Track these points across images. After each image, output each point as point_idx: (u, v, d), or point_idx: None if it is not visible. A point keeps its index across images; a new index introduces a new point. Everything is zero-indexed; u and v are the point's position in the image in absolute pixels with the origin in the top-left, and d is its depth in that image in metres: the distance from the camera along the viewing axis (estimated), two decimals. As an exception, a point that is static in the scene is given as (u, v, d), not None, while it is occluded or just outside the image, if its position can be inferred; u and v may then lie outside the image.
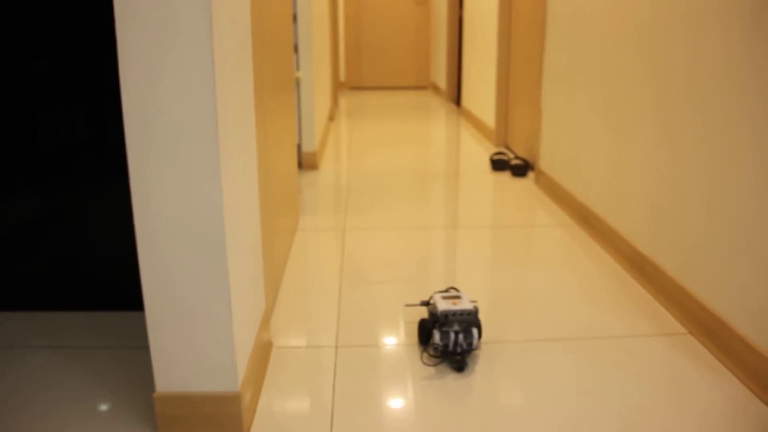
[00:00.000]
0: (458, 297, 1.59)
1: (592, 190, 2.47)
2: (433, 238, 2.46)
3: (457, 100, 6.37)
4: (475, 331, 1.53)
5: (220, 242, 1.15)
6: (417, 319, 1.79)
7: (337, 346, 1.64)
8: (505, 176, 3.42)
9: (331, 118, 5.24)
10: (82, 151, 1.68)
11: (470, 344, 1.52)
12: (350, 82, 7.78)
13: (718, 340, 1.59)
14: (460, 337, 1.51)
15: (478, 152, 4.03)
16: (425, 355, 1.59)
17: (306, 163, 3.52)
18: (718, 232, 1.62)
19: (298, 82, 3.38)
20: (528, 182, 3.29)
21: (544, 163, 3.11)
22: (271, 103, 1.84)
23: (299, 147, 3.59)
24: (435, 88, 7.30)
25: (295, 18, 3.29)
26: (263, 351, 1.52)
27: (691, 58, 1.72)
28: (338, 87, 6.80)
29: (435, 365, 1.55)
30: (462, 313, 1.52)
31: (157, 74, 1.07)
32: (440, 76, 6.85)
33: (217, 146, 1.11)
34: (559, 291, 1.97)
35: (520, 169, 3.42)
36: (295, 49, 3.33)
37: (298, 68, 3.35)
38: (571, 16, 2.66)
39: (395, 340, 1.67)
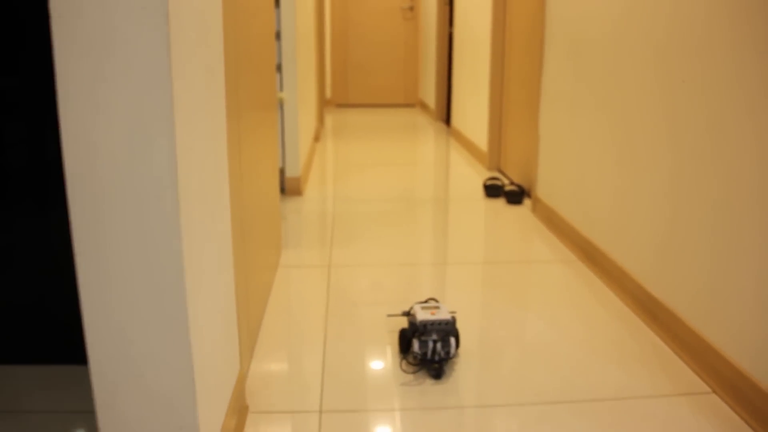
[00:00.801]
0: (437, 307, 1.68)
1: (596, 223, 2.30)
2: (423, 276, 2.27)
3: (447, 119, 6.21)
4: (452, 339, 1.60)
5: (180, 310, 0.96)
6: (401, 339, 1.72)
7: (321, 411, 1.45)
8: (500, 203, 3.25)
9: (317, 138, 5.07)
10: (16, 183, 1.49)
11: (447, 352, 1.60)
12: (336, 100, 7.62)
13: (745, 400, 1.42)
14: (438, 345, 1.58)
15: (470, 176, 3.86)
16: (404, 362, 1.66)
17: (290, 188, 3.33)
18: (733, 273, 1.45)
19: (281, 103, 3.20)
20: (524, 210, 3.12)
21: (542, 190, 2.94)
22: (249, 127, 1.66)
23: (282, 172, 3.41)
24: (423, 106, 7.15)
25: (278, 36, 3.12)
26: (238, 418, 1.32)
27: (711, 86, 1.56)
28: (324, 105, 6.63)
29: (414, 372, 1.61)
30: (440, 322, 1.61)
31: (102, 112, 0.88)
32: (429, 94, 6.71)
33: (175, 191, 0.92)
34: (563, 340, 1.79)
35: (516, 196, 3.25)
36: (278, 68, 3.16)
37: (281, 88, 3.18)
38: (574, 37, 2.50)
39: (388, 403, 1.48)
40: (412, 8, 7.38)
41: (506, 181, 3.69)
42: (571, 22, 2.53)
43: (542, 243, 2.63)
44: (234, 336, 1.37)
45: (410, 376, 1.59)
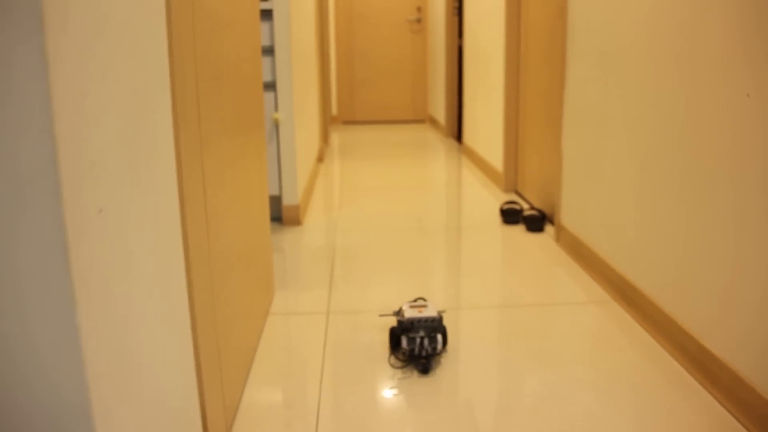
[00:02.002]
0: (424, 306, 1.77)
1: (635, 260, 1.99)
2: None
3: (458, 136, 5.91)
4: (439, 336, 1.67)
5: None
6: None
7: None
8: (518, 231, 2.94)
9: (321, 158, 4.78)
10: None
11: (434, 348, 1.66)
12: (343, 116, 7.34)
13: None
14: (425, 341, 1.65)
15: (484, 199, 3.55)
16: (392, 357, 1.73)
17: (288, 218, 3.03)
18: None
19: (276, 125, 2.91)
20: (546, 239, 2.81)
21: (567, 217, 2.63)
22: (222, 157, 1.36)
23: (279, 200, 3.11)
24: (433, 122, 6.86)
25: (271, 51, 2.83)
26: None
27: (796, 105, 1.25)
28: (330, 122, 6.36)
29: (402, 368, 1.68)
30: (427, 320, 1.70)
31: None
32: (438, 109, 6.41)
33: (66, 272, 0.62)
34: (606, 410, 1.47)
35: (536, 223, 2.94)
36: (273, 86, 2.87)
37: (276, 108, 2.89)
38: (602, 47, 2.20)
39: None
40: (419, 20, 7.11)
41: (525, 205, 3.38)
42: (598, 29, 2.23)
43: (569, 279, 2.31)
44: (195, 420, 1.07)
45: (398, 371, 1.67)
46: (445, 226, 3.02)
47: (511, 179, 3.68)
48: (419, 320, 1.69)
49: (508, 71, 3.57)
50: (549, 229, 2.95)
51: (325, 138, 5.43)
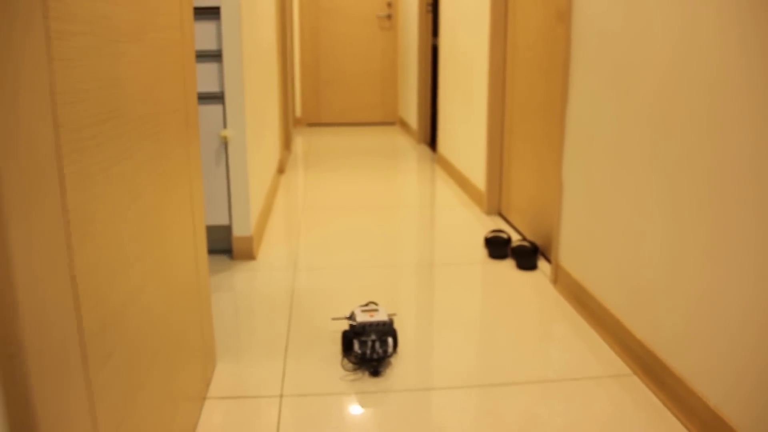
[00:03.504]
0: (376, 310, 1.81)
1: (664, 328, 1.59)
2: (400, 414, 1.54)
3: (431, 142, 5.50)
4: (390, 339, 1.72)
5: None
6: None
7: None
8: (507, 268, 2.53)
9: (281, 169, 4.32)
10: None
11: (385, 351, 1.71)
12: (308, 118, 6.87)
13: None
14: (377, 345, 1.70)
15: (465, 223, 3.14)
16: (344, 361, 1.75)
17: (239, 251, 2.59)
18: None
19: (225, 143, 2.45)
20: (540, 280, 2.40)
21: (567, 256, 2.23)
22: (118, 195, 0.92)
23: (229, 230, 2.66)
24: (404, 125, 6.44)
25: (218, 58, 2.37)
26: None
27: None
28: (293, 124, 5.89)
29: (353, 371, 1.71)
30: (378, 324, 1.75)
31: None
32: (410, 112, 5.99)
33: None
34: None
35: (528, 258, 2.53)
36: (221, 99, 2.41)
37: (225, 124, 2.43)
38: (622, 59, 1.79)
39: None
40: (389, 16, 6.67)
41: (512, 233, 2.98)
42: (616, 36, 1.83)
43: (574, 339, 1.91)
44: None
45: (350, 374, 1.68)
46: (423, 263, 2.60)
47: (494, 200, 3.27)
48: (371, 324, 1.74)
49: (492, 78, 3.15)
50: (543, 266, 2.55)
51: (287, 144, 4.97)
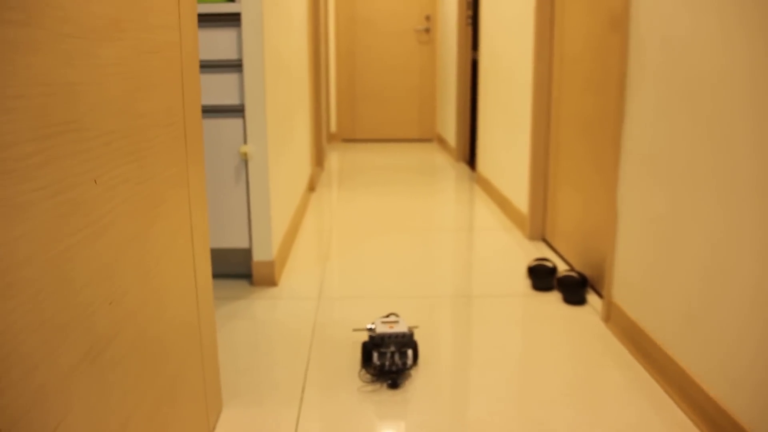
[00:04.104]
0: (396, 321, 1.78)
1: (743, 385, 1.34)
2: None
3: (470, 160, 5.27)
4: (410, 351, 1.68)
5: None
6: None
7: None
8: (553, 302, 2.28)
9: (312, 187, 4.14)
10: None
11: (405, 363, 1.68)
12: (343, 134, 6.71)
13: None
14: (396, 356, 1.67)
15: (506, 249, 2.90)
16: (363, 372, 1.72)
17: (259, 277, 2.39)
18: None
19: (245, 161, 2.26)
20: (590, 317, 2.15)
21: (622, 293, 1.98)
22: (102, 220, 0.72)
23: (249, 254, 2.47)
24: (441, 142, 6.22)
25: (239, 68, 2.19)
26: None
27: None
28: (327, 141, 5.72)
29: (372, 382, 1.67)
30: (398, 335, 1.71)
31: None
32: (448, 129, 5.77)
33: None
34: None
35: (576, 290, 2.28)
36: (240, 111, 2.23)
37: (245, 140, 2.25)
38: (693, 72, 1.55)
39: None
40: (428, 30, 6.48)
41: (558, 261, 2.73)
42: (684, 45, 1.58)
43: (631, 391, 1.65)
44: None
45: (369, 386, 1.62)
46: (460, 294, 2.37)
47: (538, 224, 3.03)
48: (390, 336, 1.71)
49: (536, 92, 2.92)
50: (593, 300, 2.30)
51: (319, 161, 4.80)
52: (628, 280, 1.93)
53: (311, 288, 2.39)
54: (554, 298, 2.32)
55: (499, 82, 3.66)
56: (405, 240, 3.03)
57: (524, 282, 2.47)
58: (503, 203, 3.56)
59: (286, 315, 2.14)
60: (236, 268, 2.48)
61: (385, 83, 6.59)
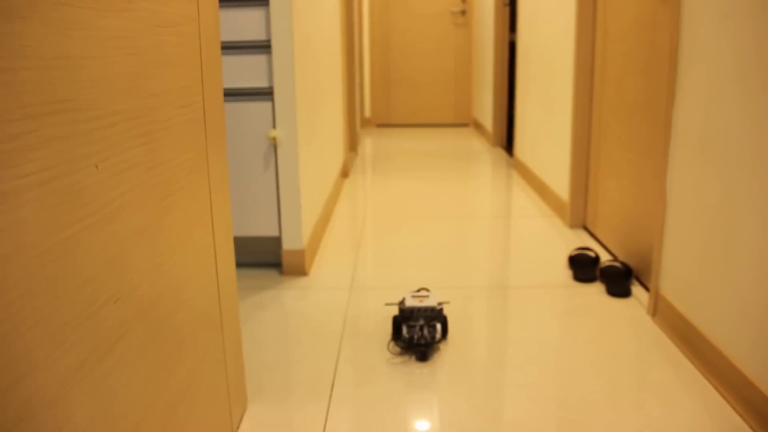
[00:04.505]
0: (426, 296, 1.82)
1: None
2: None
3: (507, 146, 5.14)
4: (438, 325, 1.72)
5: None
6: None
7: None
8: (595, 293, 2.17)
9: (345, 173, 4.06)
10: None
11: (433, 337, 1.71)
12: (377, 119, 6.61)
13: None
14: (425, 330, 1.70)
15: (546, 237, 2.78)
16: (392, 344, 1.77)
17: (289, 266, 2.32)
18: None
19: (274, 146, 2.19)
20: (635, 309, 2.03)
21: (671, 285, 1.86)
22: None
23: (279, 242, 2.40)
24: (478, 126, 6.09)
25: (267, 49, 2.11)
26: None
27: None
28: (361, 126, 5.63)
29: (400, 354, 1.71)
30: (426, 309, 1.76)
31: None
32: (485, 113, 5.63)
33: None
34: None
35: (620, 282, 2.17)
36: (269, 95, 2.15)
37: (274, 124, 2.17)
38: (748, 47, 1.42)
39: None
40: (464, 12, 6.33)
41: (600, 250, 2.60)
42: (742, 19, 1.45)
43: (681, 390, 1.54)
44: None
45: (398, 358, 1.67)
46: (496, 285, 2.27)
47: (579, 213, 2.90)
48: (419, 309, 1.75)
49: (578, 74, 2.79)
50: (638, 292, 2.18)
51: (353, 146, 4.71)
52: (678, 271, 1.81)
53: (343, 277, 2.32)
54: (597, 289, 2.20)
55: (539, 64, 3.53)
56: (440, 227, 2.94)
57: (565, 272, 2.36)
58: (542, 189, 3.44)
59: (316, 306, 2.07)
60: (266, 257, 2.42)
61: (420, 67, 6.47)
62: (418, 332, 1.70)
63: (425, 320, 1.73)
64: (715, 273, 1.60)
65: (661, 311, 1.91)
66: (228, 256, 1.32)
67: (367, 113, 6.56)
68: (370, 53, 6.43)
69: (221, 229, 1.26)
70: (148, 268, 0.90)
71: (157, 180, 0.94)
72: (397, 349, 1.75)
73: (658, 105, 2.10)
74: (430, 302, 1.78)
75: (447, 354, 1.73)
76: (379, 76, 6.49)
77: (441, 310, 1.76)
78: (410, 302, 1.78)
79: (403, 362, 1.68)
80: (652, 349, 1.77)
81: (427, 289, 1.88)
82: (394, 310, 2.02)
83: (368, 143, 5.56)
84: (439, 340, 1.78)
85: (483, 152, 5.02)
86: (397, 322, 1.77)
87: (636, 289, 2.20)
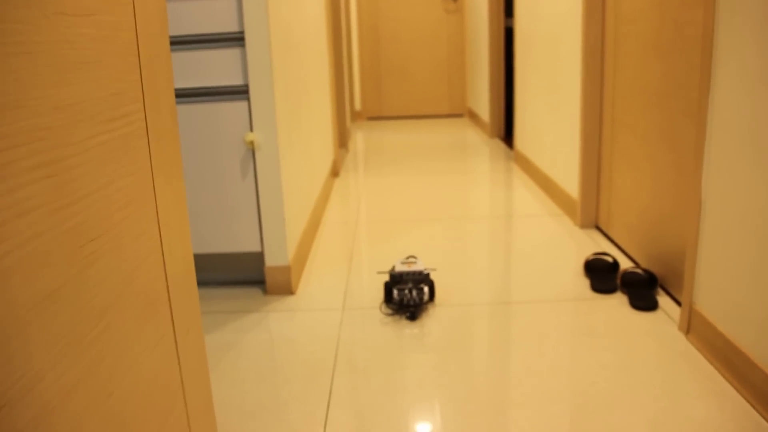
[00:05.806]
0: (414, 262, 1.97)
1: None
2: None
3: (506, 137, 4.89)
4: (426, 288, 1.88)
5: None
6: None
7: None
8: (616, 306, 1.93)
9: (335, 172, 3.81)
10: None
11: (421, 299, 1.87)
12: (368, 112, 6.35)
13: None
14: (413, 293, 1.86)
15: (554, 241, 2.54)
16: (383, 306, 1.92)
17: (273, 284, 2.07)
18: None
19: (252, 150, 1.94)
20: (665, 325, 1.80)
21: (709, 299, 1.62)
22: None
23: (261, 258, 2.15)
24: (473, 117, 5.84)
25: (240, 41, 1.86)
26: None
27: None
28: (351, 120, 5.37)
29: (392, 315, 1.86)
30: (414, 273, 1.91)
31: None
32: (481, 103, 5.38)
33: None
34: None
35: (645, 293, 1.93)
36: (244, 93, 1.90)
37: (251, 127, 1.92)
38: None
39: None
40: (456, -3, 6.07)
41: (617, 255, 2.36)
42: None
43: (731, 426, 1.31)
44: None
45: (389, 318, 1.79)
46: (497, 298, 2.03)
47: (590, 211, 2.66)
48: (408, 273, 1.89)
49: (587, 59, 2.54)
50: (667, 304, 1.94)
51: (342, 142, 4.46)
52: (718, 285, 1.57)
53: (334, 296, 2.07)
54: (618, 301, 1.97)
55: (541, 49, 3.28)
56: (438, 232, 2.69)
57: (580, 281, 2.12)
58: (547, 185, 3.20)
59: (305, 332, 1.83)
60: (247, 274, 2.17)
61: (412, 56, 6.21)
62: (407, 295, 1.86)
63: (413, 283, 1.88)
64: (763, 286, 1.36)
65: (697, 329, 1.67)
66: (189, 304, 1.07)
67: (358, 106, 6.30)
68: (358, 43, 6.16)
69: (177, 267, 1.01)
70: (49, 355, 0.65)
71: (71, 223, 0.69)
72: (389, 311, 1.89)
73: (684, 92, 1.85)
74: (418, 267, 1.94)
75: (441, 377, 1.49)
76: (368, 66, 6.23)
77: (428, 274, 1.92)
78: (399, 268, 1.94)
79: (394, 321, 1.84)
80: (690, 374, 1.53)
81: (414, 257, 2.07)
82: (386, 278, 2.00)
83: (359, 138, 5.30)
84: (427, 302, 1.94)
85: (480, 144, 4.77)
86: (388, 287, 1.91)
87: (663, 299, 1.96)
